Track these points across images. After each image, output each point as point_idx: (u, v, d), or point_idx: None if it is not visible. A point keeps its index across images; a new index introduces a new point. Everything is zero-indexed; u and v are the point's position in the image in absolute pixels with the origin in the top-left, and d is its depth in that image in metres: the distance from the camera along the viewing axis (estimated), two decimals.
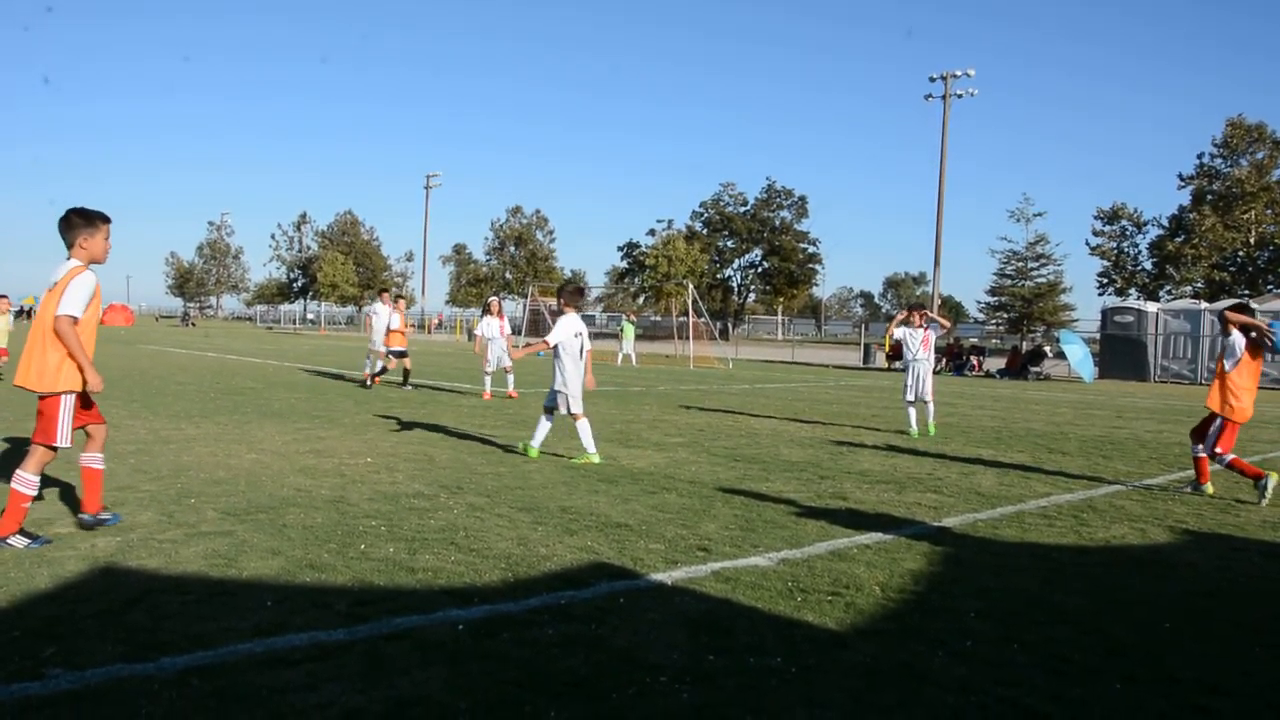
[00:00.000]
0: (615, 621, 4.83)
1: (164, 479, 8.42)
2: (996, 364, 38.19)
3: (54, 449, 6.10)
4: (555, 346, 10.18)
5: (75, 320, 5.95)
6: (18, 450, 8.71)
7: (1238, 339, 9.17)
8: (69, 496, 7.41)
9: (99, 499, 6.51)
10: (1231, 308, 9.59)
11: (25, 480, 6.01)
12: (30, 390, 6.02)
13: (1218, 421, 9.17)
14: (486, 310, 19.99)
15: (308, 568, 5.64)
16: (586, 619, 4.85)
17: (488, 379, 19.00)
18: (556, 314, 10.95)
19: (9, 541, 5.91)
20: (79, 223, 6.13)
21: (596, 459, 10.09)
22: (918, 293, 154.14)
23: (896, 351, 41.45)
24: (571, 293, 10.72)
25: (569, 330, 10.19)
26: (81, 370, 6.01)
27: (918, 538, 7.01)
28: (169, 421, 12.55)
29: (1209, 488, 9.36)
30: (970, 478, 9.97)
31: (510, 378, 18.75)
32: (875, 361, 42.41)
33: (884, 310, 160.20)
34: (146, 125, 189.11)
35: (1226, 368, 9.17)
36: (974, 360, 37.90)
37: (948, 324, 16.17)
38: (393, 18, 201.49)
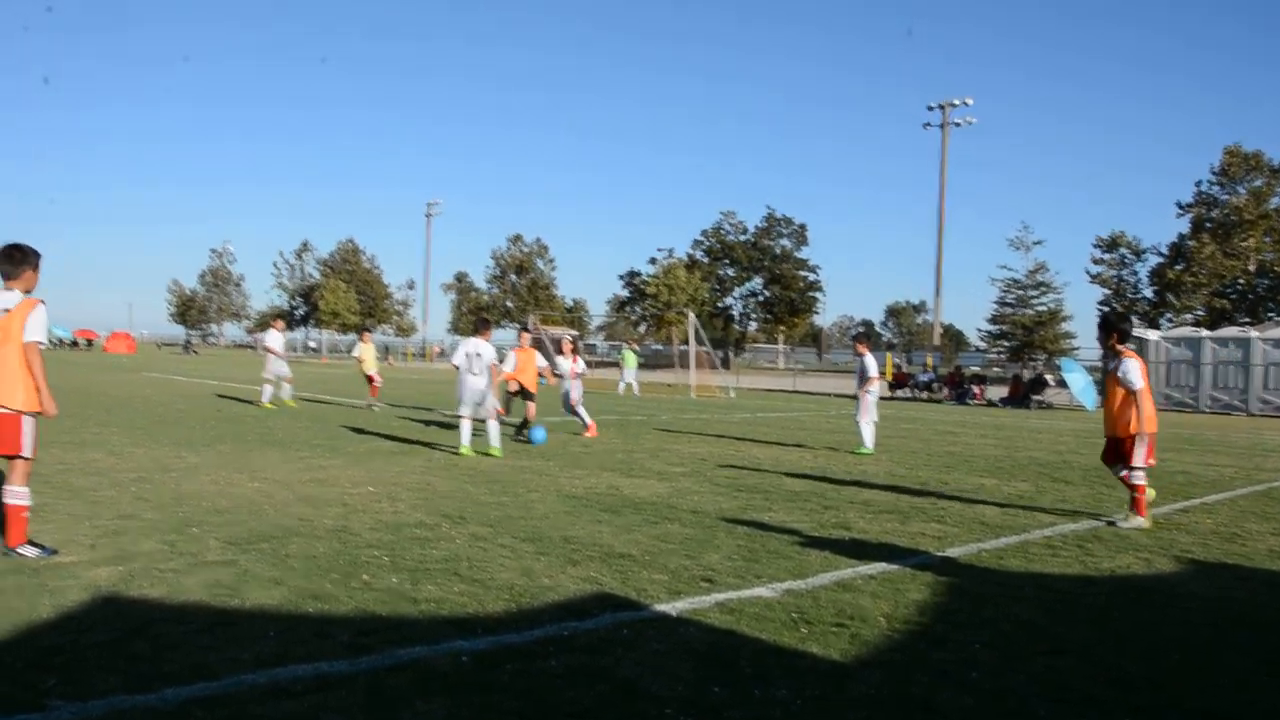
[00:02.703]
0: (619, 652, 4.81)
1: (166, 507, 8.40)
2: (998, 393, 38.18)
3: (29, 459, 6.44)
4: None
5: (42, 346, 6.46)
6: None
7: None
8: (72, 524, 7.40)
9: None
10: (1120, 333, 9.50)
11: (19, 493, 6.36)
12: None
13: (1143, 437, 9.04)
14: (559, 349, 20.49)
15: (310, 598, 5.63)
16: (590, 650, 4.83)
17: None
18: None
19: (20, 551, 6.32)
20: (28, 257, 6.56)
21: (468, 452, 12.96)
22: (919, 321, 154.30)
23: (900, 380, 41.56)
24: (474, 324, 14.07)
25: (460, 353, 13.37)
26: (42, 395, 6.40)
27: (922, 568, 6.98)
28: (171, 449, 12.54)
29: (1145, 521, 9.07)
30: (974, 507, 9.94)
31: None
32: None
33: (885, 339, 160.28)
34: (149, 147, 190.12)
35: (1138, 385, 9.03)
36: (975, 389, 37.90)
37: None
38: (394, 45, 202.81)
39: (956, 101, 56.99)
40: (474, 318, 13.89)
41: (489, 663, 4.59)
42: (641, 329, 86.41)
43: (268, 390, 21.04)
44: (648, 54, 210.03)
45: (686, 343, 40.83)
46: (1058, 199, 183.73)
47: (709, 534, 7.99)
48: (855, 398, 16.13)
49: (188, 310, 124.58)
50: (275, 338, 21.81)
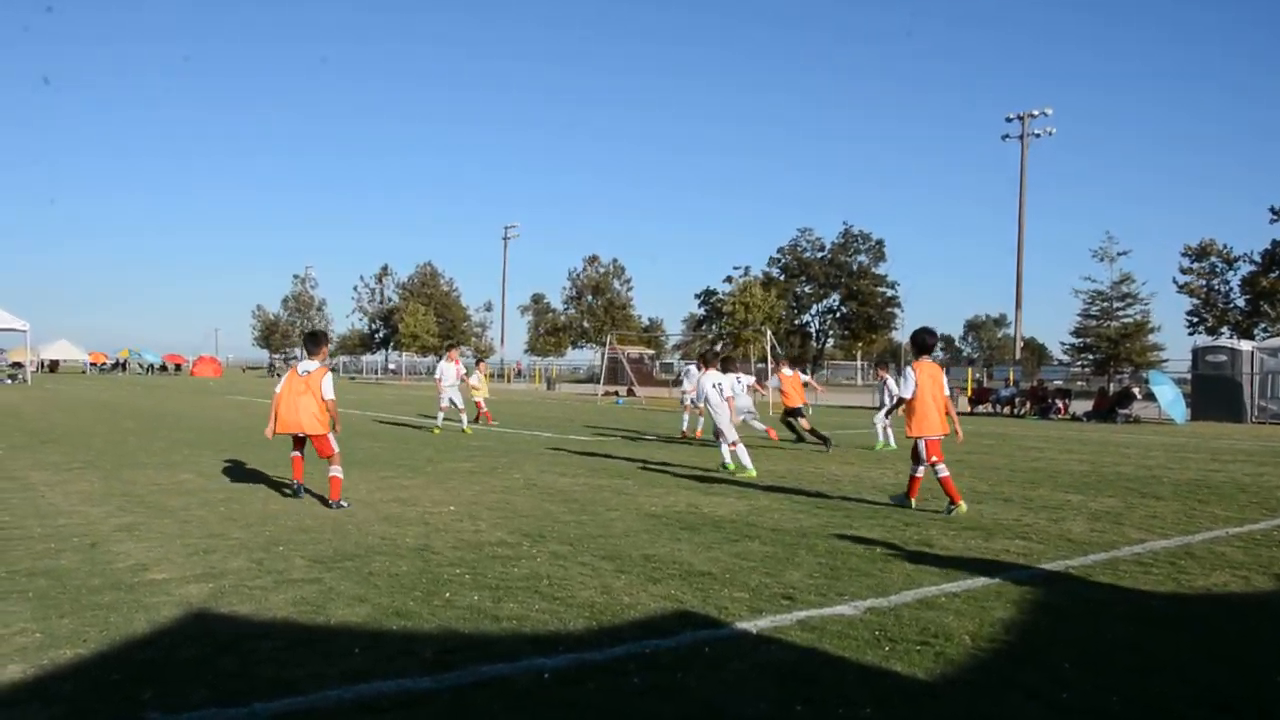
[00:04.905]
0: (701, 670, 4.78)
1: (253, 526, 8.59)
2: (1083, 407, 37.30)
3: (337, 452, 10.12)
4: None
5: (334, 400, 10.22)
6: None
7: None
8: (165, 542, 7.60)
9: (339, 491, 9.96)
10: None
11: (338, 470, 10.01)
12: (313, 433, 10.01)
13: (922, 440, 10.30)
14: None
15: (394, 615, 5.70)
16: (672, 668, 4.81)
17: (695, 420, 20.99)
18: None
19: (341, 504, 9.78)
20: (323, 340, 10.81)
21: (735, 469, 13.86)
22: (999, 335, 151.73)
23: (981, 395, 40.85)
24: (709, 357, 15.33)
25: (707, 384, 14.50)
26: (336, 421, 10.20)
27: (1007, 586, 6.84)
28: (257, 469, 12.80)
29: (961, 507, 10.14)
30: (1060, 524, 9.72)
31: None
32: (957, 406, 41.67)
33: (965, 354, 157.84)
34: (233, 181, 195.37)
35: (903, 393, 10.34)
36: (1059, 403, 37.09)
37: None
38: (470, 74, 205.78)
39: (1035, 112, 56.16)
40: (708, 353, 16.08)
41: (571, 680, 4.60)
42: (718, 348, 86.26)
43: (440, 416, 21.74)
44: (722, 72, 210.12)
45: (764, 360, 40.63)
46: (1143, 208, 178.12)
47: (789, 551, 7.93)
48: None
49: (271, 334, 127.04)
50: (444, 368, 22.17)
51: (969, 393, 42.78)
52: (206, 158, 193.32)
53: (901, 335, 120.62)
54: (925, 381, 10.30)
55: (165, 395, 40.77)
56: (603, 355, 57.67)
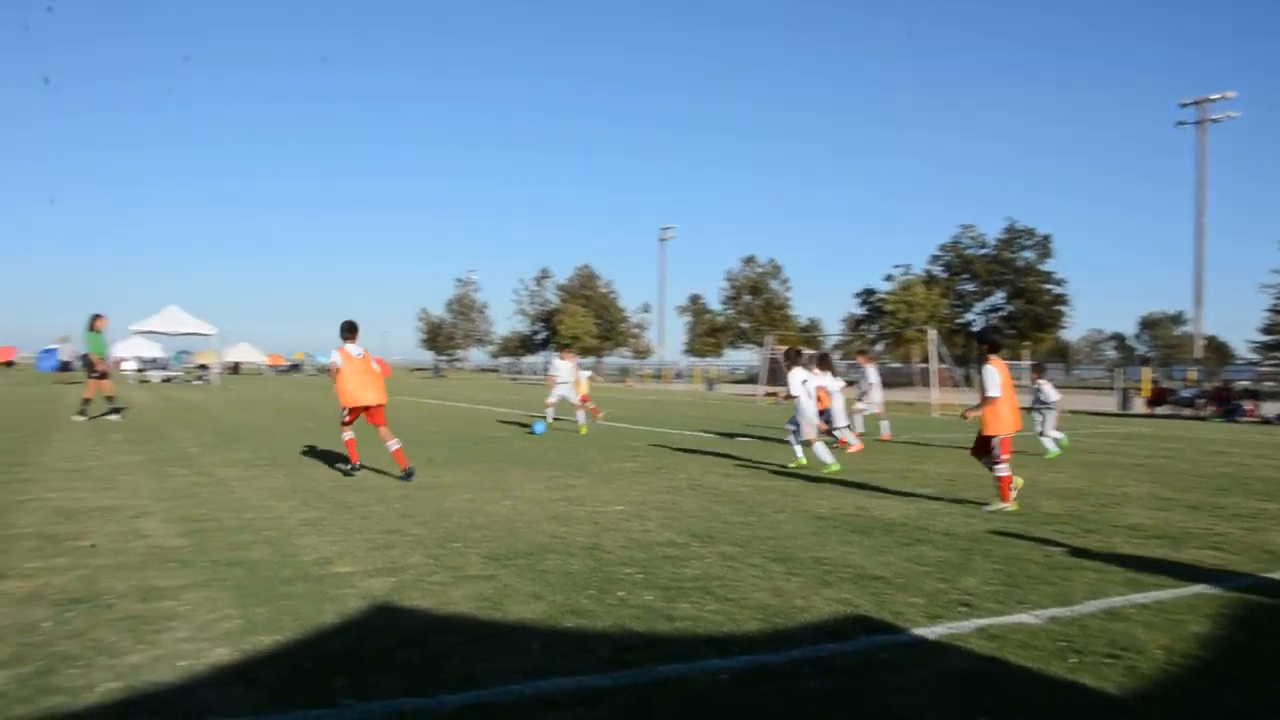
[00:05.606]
0: (879, 676, 4.70)
1: (428, 523, 8.84)
2: (1275, 409, 35.19)
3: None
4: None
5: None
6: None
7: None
8: (347, 537, 7.91)
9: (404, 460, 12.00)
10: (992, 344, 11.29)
11: (397, 442, 12.22)
12: (381, 402, 12.39)
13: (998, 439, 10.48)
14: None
15: (569, 613, 5.78)
16: (849, 673, 4.75)
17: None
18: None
19: (409, 472, 11.84)
20: (358, 328, 12.57)
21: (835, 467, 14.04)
22: (1176, 332, 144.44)
23: (1159, 396, 38.98)
24: (793, 354, 15.03)
25: (798, 379, 14.39)
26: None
27: (1200, 599, 6.50)
28: (427, 468, 13.18)
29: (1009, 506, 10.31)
30: (1256, 534, 9.18)
31: (884, 424, 21.43)
32: (1133, 407, 39.88)
33: (1138, 352, 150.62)
34: (399, 195, 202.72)
35: (989, 392, 10.48)
36: (1247, 405, 35.10)
37: None
38: (624, 77, 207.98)
39: (1215, 96, 53.23)
40: (791, 350, 15.57)
41: (748, 682, 4.58)
42: (879, 347, 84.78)
43: (550, 412, 22.62)
44: (878, 69, 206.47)
45: (926, 360, 39.74)
46: None
47: (964, 557, 7.72)
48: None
49: (436, 336, 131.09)
50: (559, 365, 23.00)
51: (1146, 393, 40.90)
52: (369, 170, 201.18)
53: (1070, 334, 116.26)
54: (1007, 380, 10.64)
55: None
56: (764, 356, 57.32)
